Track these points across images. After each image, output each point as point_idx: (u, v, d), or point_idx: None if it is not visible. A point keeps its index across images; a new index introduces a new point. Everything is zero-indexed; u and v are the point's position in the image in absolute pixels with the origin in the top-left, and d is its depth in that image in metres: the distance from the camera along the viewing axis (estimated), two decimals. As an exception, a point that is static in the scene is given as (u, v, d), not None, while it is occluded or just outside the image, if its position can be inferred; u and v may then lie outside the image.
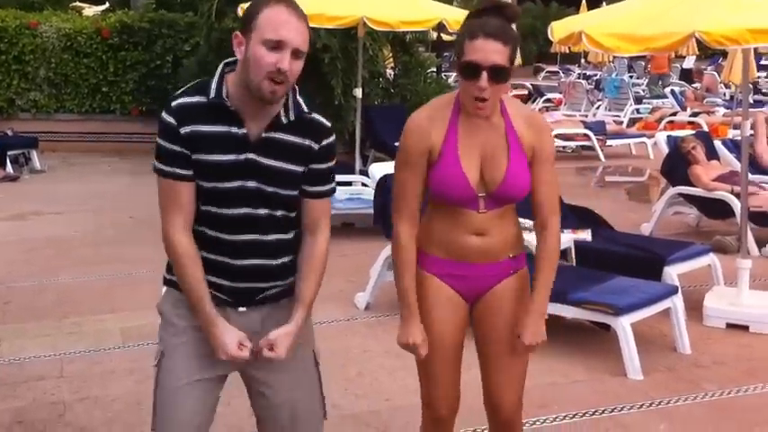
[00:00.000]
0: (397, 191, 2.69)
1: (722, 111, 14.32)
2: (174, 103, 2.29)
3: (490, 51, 2.45)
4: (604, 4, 13.79)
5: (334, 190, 2.49)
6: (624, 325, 4.51)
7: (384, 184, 5.59)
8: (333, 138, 2.44)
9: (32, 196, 9.76)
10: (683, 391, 4.30)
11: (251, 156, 2.30)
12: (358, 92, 8.86)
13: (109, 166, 12.11)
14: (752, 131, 9.00)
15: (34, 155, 11.71)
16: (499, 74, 2.47)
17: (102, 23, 13.58)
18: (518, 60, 13.58)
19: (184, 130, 2.27)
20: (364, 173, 8.12)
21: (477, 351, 2.84)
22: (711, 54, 24.68)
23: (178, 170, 2.30)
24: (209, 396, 2.45)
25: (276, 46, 2.21)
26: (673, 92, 15.94)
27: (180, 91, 2.35)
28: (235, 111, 2.29)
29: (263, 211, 2.34)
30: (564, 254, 5.63)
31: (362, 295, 5.62)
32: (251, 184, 2.31)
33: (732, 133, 11.84)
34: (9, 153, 11.26)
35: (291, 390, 2.48)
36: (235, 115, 2.29)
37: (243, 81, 2.26)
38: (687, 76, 22.02)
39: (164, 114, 2.29)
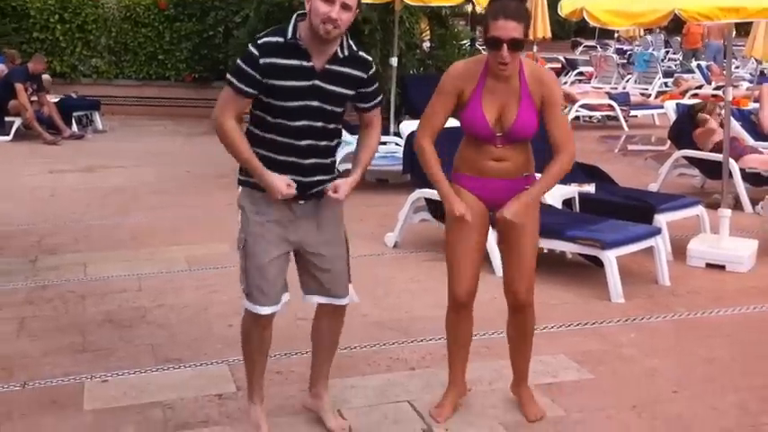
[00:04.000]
0: (426, 111, 3.57)
1: (746, 85, 14.83)
2: (259, 41, 3.15)
3: (509, 29, 3.31)
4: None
5: (380, 102, 3.44)
6: (610, 257, 5.33)
7: (412, 138, 6.41)
8: (374, 68, 3.35)
9: (97, 152, 10.78)
10: (656, 312, 5.12)
11: (317, 82, 3.19)
12: (394, 61, 9.66)
13: (164, 128, 13.08)
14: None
15: (96, 116, 12.70)
16: (516, 45, 3.34)
17: (159, -5, 14.51)
18: (548, 34, 14.20)
19: (264, 60, 3.13)
20: (398, 135, 8.93)
21: (501, 252, 3.74)
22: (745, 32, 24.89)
23: (245, 87, 3.16)
24: (283, 267, 3.37)
25: (329, 0, 3.07)
26: (699, 66, 16.47)
27: (263, 32, 3.21)
28: (305, 48, 3.16)
29: (319, 124, 3.24)
30: (568, 203, 6.45)
31: (391, 235, 6.48)
32: (314, 103, 3.20)
33: (753, 105, 12.41)
34: (74, 114, 12.24)
35: (332, 257, 3.41)
36: (305, 52, 3.17)
37: (309, 25, 3.12)
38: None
39: (251, 47, 3.14)
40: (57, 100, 12.11)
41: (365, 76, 3.30)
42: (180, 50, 14.32)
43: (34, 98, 11.59)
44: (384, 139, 9.13)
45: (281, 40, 3.16)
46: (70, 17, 14.20)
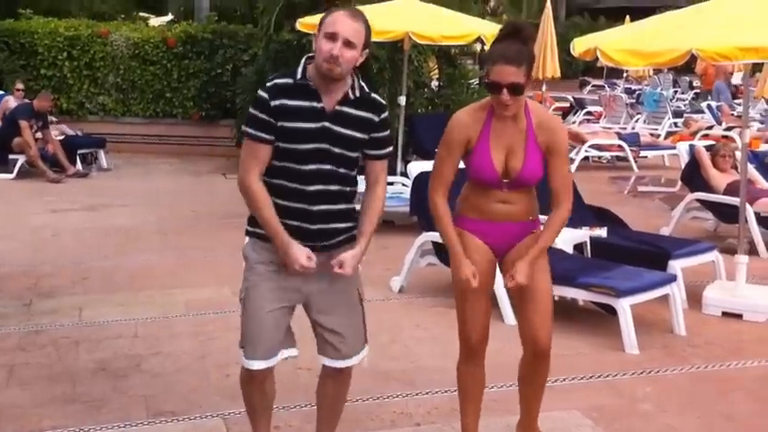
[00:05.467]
0: (436, 166, 3.48)
1: (756, 125, 14.69)
2: (269, 84, 3.05)
3: (508, 74, 3.25)
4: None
5: (390, 153, 3.27)
6: (624, 306, 5.13)
7: (420, 181, 6.27)
8: (387, 112, 3.21)
9: (101, 191, 10.66)
10: (672, 364, 4.91)
11: (326, 124, 3.05)
12: (402, 100, 9.56)
13: (170, 166, 12.99)
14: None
15: (101, 154, 12.58)
16: (516, 89, 3.26)
17: (167, 33, 14.51)
18: (557, 73, 14.12)
19: (274, 102, 3.02)
20: (405, 175, 8.80)
21: (514, 298, 3.61)
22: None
23: (262, 134, 3.04)
24: (282, 320, 3.19)
25: (331, 37, 2.96)
26: (709, 106, 16.33)
27: (273, 75, 3.11)
28: (314, 89, 3.03)
29: (328, 167, 3.07)
30: (579, 248, 6.27)
31: (397, 279, 6.31)
32: (323, 145, 3.05)
33: (765, 147, 12.24)
34: (79, 152, 12.14)
35: (342, 317, 3.23)
36: (314, 92, 3.04)
37: (316, 64, 3.01)
38: (733, 91, 22.28)
39: (260, 91, 3.05)
40: (62, 138, 12.03)
41: (377, 119, 3.15)
42: (188, 88, 14.27)
43: (39, 135, 11.52)
44: (391, 179, 9.00)
45: (290, 81, 3.05)
46: (78, 54, 14.19)
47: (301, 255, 3.04)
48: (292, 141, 3.05)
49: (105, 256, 7.29)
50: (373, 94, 3.15)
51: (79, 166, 11.91)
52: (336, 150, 3.08)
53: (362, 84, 3.13)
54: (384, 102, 3.20)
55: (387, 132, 3.21)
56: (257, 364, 3.17)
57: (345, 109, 3.08)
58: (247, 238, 3.23)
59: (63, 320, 5.50)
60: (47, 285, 6.33)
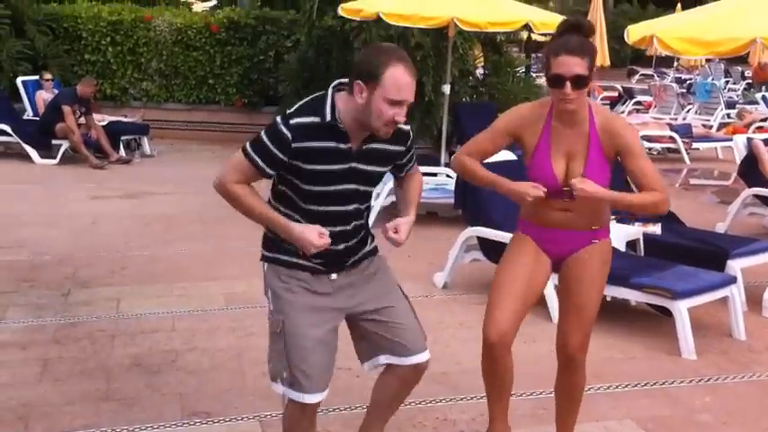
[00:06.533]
0: (475, 138, 3.33)
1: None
2: (293, 121, 2.77)
3: (571, 65, 3.04)
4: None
5: (416, 162, 3.13)
6: (681, 308, 4.87)
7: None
8: (412, 136, 3.05)
9: (143, 178, 10.58)
10: (732, 371, 4.64)
11: (354, 165, 2.84)
12: (446, 88, 9.31)
13: (212, 153, 12.89)
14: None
15: (145, 140, 12.52)
16: (580, 82, 3.06)
17: (210, 19, 14.40)
18: (606, 61, 13.77)
19: (296, 145, 2.77)
20: (449, 166, 8.58)
21: (559, 301, 3.44)
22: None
23: (266, 168, 2.81)
24: (332, 345, 2.97)
25: (397, 104, 2.75)
26: (764, 97, 15.82)
27: (295, 108, 2.83)
28: (345, 132, 2.81)
29: (353, 207, 2.92)
30: (632, 245, 6.00)
31: (441, 275, 6.10)
32: (351, 186, 2.87)
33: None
34: (122, 138, 12.09)
35: (398, 305, 3.05)
36: (344, 134, 2.81)
37: (359, 117, 2.76)
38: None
39: (281, 126, 2.77)
40: (105, 123, 12.00)
41: (404, 149, 3.00)
42: (230, 75, 14.15)
43: (82, 121, 11.48)
44: (434, 170, 8.81)
45: (317, 120, 2.79)
46: (122, 40, 14.15)
47: (312, 234, 2.81)
48: (315, 184, 2.84)
49: (144, 246, 7.18)
50: (399, 124, 2.86)
51: (122, 152, 11.87)
52: (363, 189, 2.93)
53: None
54: (408, 127, 3.00)
55: (413, 152, 3.09)
56: (314, 398, 2.92)
57: (373, 145, 2.88)
58: (266, 265, 3.02)
59: (99, 312, 5.39)
60: (85, 275, 6.23)
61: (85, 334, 4.99)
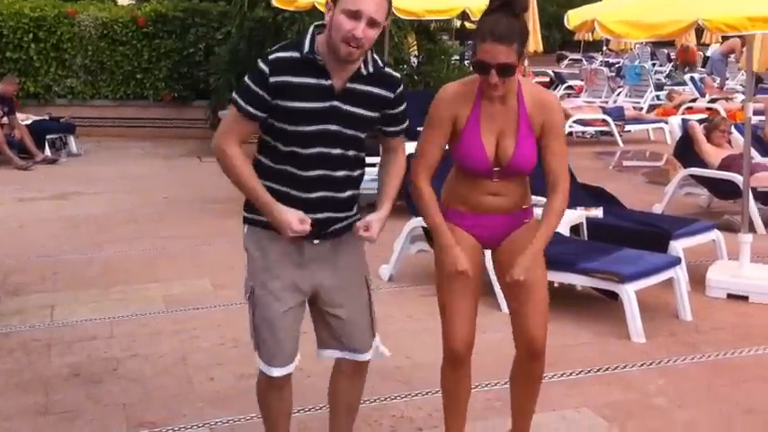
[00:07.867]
0: (419, 147, 3.12)
1: (740, 97, 14.51)
2: (271, 56, 2.70)
3: (497, 53, 2.87)
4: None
5: (406, 128, 2.97)
6: (628, 291, 4.87)
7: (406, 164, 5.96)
8: (402, 86, 2.90)
9: (71, 178, 10.23)
10: (681, 353, 4.66)
11: (335, 103, 2.72)
12: (383, 77, 9.20)
13: (142, 150, 12.56)
14: (763, 117, 9.32)
15: (71, 139, 12.12)
16: (506, 70, 2.90)
17: (137, 12, 13.97)
18: (540, 48, 13.84)
19: (274, 79, 2.67)
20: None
21: (504, 294, 3.33)
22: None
23: (251, 109, 2.72)
24: (298, 318, 2.93)
25: (354, 15, 2.62)
26: (692, 79, 16.14)
27: (276, 46, 2.76)
28: (323, 65, 2.69)
29: (336, 151, 2.77)
30: (576, 229, 6.00)
31: (386, 267, 6.00)
32: (333, 127, 2.73)
33: (755, 119, 12.05)
34: (47, 137, 11.67)
35: (348, 303, 2.97)
36: (323, 69, 2.70)
37: (329, 42, 2.66)
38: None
39: (259, 62, 2.70)
40: (29, 122, 11.57)
41: (392, 95, 2.85)
42: (159, 69, 13.78)
43: (5, 121, 11.06)
44: (373, 160, 8.66)
45: (295, 54, 2.71)
46: (45, 36, 13.64)
47: (293, 218, 2.73)
48: (296, 123, 2.73)
49: (76, 249, 6.91)
50: (387, 68, 2.83)
51: (48, 151, 11.48)
52: (347, 132, 2.77)
53: (376, 57, 2.81)
54: (398, 75, 2.91)
55: (402, 107, 2.91)
56: (277, 371, 2.90)
57: (357, 86, 2.76)
58: (246, 227, 2.93)
59: (33, 321, 5.15)
60: (15, 282, 5.96)
61: (19, 344, 4.75)
